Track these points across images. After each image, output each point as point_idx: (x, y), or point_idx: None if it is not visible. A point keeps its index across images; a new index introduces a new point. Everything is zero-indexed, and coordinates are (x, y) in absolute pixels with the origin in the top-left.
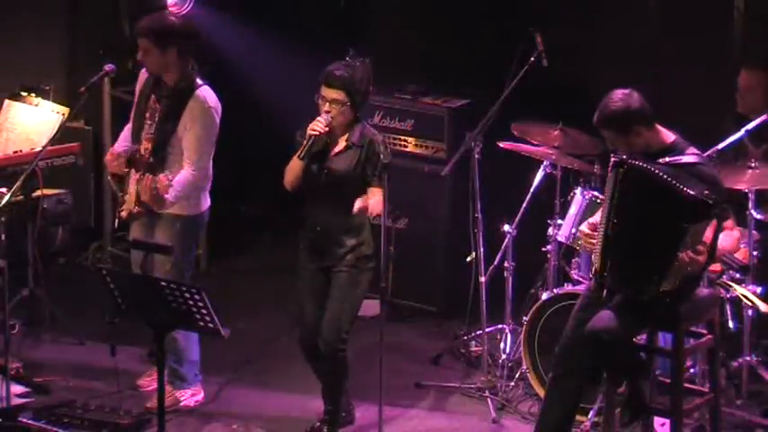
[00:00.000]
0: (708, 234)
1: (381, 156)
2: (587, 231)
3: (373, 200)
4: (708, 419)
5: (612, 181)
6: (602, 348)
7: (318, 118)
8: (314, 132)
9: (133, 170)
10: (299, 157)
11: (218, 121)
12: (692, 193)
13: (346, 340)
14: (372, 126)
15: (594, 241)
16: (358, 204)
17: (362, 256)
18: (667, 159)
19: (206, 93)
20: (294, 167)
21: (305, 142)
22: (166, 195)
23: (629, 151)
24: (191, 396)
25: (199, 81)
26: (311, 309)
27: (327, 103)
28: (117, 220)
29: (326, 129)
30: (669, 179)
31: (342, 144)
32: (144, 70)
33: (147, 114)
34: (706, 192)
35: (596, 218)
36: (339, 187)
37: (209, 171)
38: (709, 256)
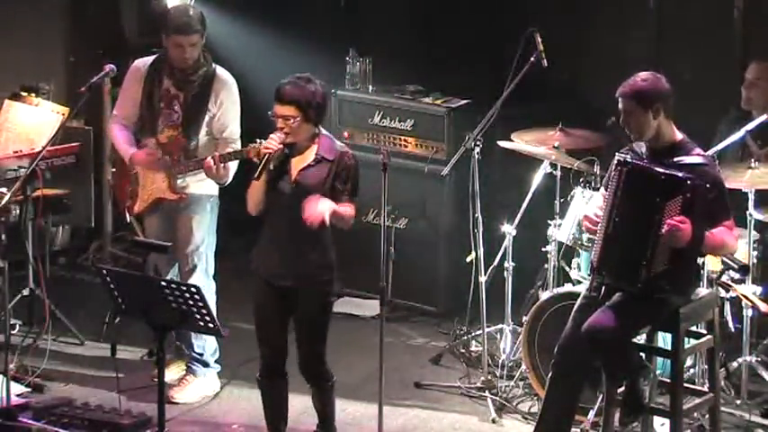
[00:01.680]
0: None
1: (381, 157)
2: (593, 218)
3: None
4: (707, 419)
5: (615, 181)
6: (600, 347)
7: (272, 135)
8: (268, 151)
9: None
10: (255, 178)
11: None
12: (659, 170)
13: (325, 359)
14: (372, 126)
15: (596, 228)
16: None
17: (328, 267)
18: (673, 160)
19: (224, 71)
20: (254, 191)
21: (260, 162)
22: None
23: (637, 134)
24: (208, 386)
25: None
26: (278, 330)
27: (279, 119)
28: (128, 215)
29: (280, 146)
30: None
31: (310, 158)
32: (138, 63)
33: (163, 103)
34: (682, 171)
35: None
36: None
37: None
38: (695, 235)
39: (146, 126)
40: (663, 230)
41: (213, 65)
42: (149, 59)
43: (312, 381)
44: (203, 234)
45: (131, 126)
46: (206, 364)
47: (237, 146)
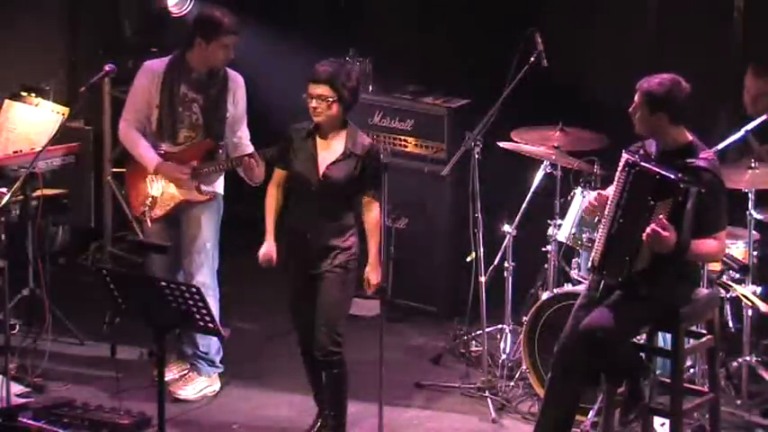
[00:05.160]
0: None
1: (382, 157)
2: (596, 204)
3: (372, 275)
4: (707, 419)
5: (622, 181)
6: (598, 346)
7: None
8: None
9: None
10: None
11: None
12: (656, 169)
13: (341, 343)
14: (372, 126)
15: (598, 216)
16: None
17: (352, 257)
18: (681, 161)
19: (233, 71)
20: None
21: None
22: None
23: (639, 129)
24: (210, 386)
25: None
26: (310, 317)
27: (314, 99)
28: (149, 220)
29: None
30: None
31: (338, 151)
32: (148, 65)
33: (182, 108)
34: (679, 174)
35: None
36: (333, 194)
37: None
38: (679, 241)
39: (164, 129)
40: (646, 231)
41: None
42: (162, 62)
43: (324, 363)
44: (212, 232)
45: (143, 128)
46: (211, 363)
47: (250, 146)
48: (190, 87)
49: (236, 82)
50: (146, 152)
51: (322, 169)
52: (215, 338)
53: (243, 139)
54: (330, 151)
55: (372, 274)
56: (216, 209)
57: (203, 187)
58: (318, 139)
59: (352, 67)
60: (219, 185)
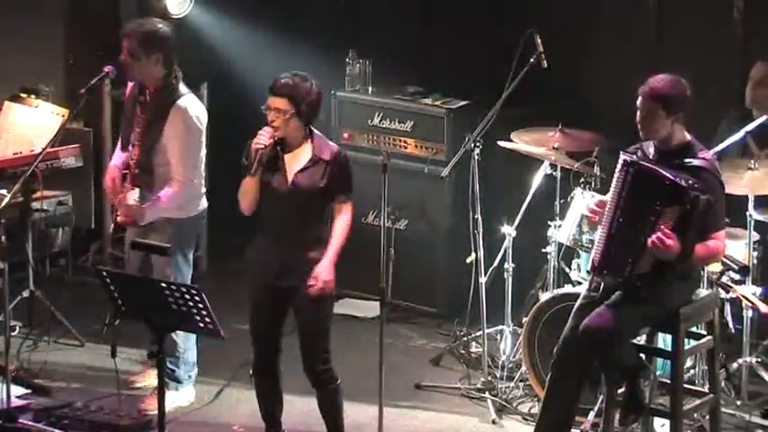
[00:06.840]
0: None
1: (381, 159)
2: (595, 208)
3: (323, 271)
4: (708, 420)
5: (621, 181)
6: (597, 346)
7: (261, 131)
8: (259, 146)
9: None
10: (251, 174)
11: (202, 129)
12: (665, 173)
13: (330, 360)
14: (372, 127)
15: (598, 218)
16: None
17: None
18: (680, 161)
19: (187, 102)
20: (249, 189)
21: (253, 159)
22: (146, 212)
23: (651, 135)
24: (183, 396)
25: (182, 90)
26: (271, 329)
27: (272, 112)
28: (113, 225)
29: (270, 141)
30: (669, 174)
31: (305, 158)
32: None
33: (134, 123)
34: (690, 181)
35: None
36: (303, 202)
37: (196, 180)
38: (684, 249)
39: (124, 141)
40: (651, 239)
41: (181, 93)
42: None
43: (315, 382)
44: (162, 262)
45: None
46: (178, 380)
47: (179, 184)
48: (140, 108)
49: (179, 112)
50: (111, 161)
51: (290, 177)
52: (186, 356)
53: (172, 170)
54: (297, 160)
55: (323, 271)
56: (169, 234)
57: (148, 214)
58: (283, 146)
59: (313, 84)
60: (176, 212)
